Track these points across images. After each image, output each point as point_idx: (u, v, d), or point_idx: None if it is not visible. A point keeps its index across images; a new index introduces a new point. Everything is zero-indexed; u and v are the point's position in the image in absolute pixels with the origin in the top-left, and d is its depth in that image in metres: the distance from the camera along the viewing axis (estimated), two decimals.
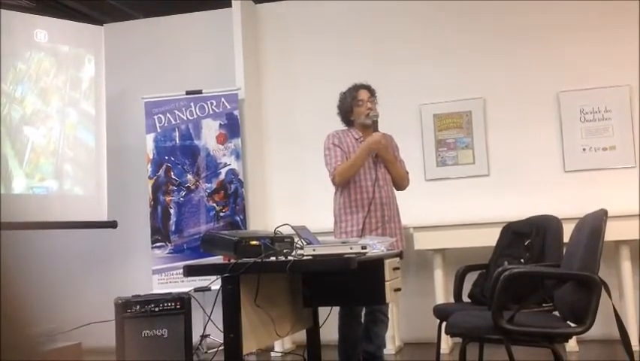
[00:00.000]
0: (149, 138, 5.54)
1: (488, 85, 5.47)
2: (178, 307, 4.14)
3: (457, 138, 5.51)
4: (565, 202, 4.98)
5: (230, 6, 5.77)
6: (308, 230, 3.35)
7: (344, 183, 3.78)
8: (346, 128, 3.94)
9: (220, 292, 2.68)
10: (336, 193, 3.90)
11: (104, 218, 5.44)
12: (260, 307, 2.77)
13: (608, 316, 2.78)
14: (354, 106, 3.86)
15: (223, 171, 5.50)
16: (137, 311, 4.07)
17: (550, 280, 2.88)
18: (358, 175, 3.76)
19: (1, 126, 4.99)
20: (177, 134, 5.55)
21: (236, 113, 5.54)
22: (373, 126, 3.78)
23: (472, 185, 5.42)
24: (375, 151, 3.74)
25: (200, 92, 5.56)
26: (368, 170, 3.77)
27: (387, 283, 2.95)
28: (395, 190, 3.93)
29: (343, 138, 3.86)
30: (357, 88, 3.91)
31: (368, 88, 3.92)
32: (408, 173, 3.98)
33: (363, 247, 2.70)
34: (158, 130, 5.54)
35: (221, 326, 2.64)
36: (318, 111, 5.64)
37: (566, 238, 3.09)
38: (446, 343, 4.79)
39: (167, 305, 4.12)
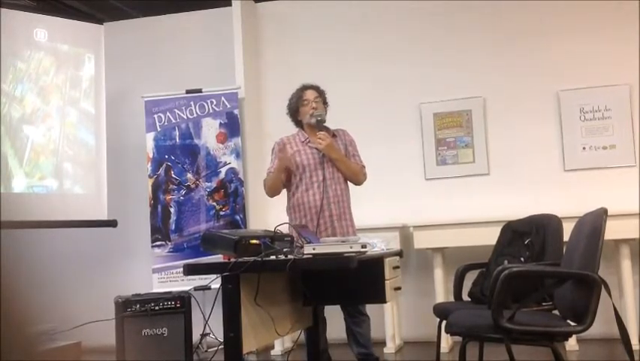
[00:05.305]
0: (149, 137, 5.54)
1: (488, 84, 5.46)
2: (178, 306, 4.14)
3: (457, 137, 5.51)
4: (565, 201, 4.97)
5: (231, 5, 5.76)
6: (308, 229, 3.36)
7: (274, 196, 3.87)
8: (296, 131, 3.94)
9: (220, 291, 2.68)
10: (287, 195, 3.88)
11: (104, 217, 5.44)
12: (260, 306, 2.77)
13: (608, 315, 2.78)
14: (300, 106, 3.87)
15: (223, 170, 5.50)
16: (137, 310, 4.07)
17: (550, 279, 2.88)
18: (305, 177, 3.74)
19: (1, 125, 4.99)
20: (177, 133, 5.55)
21: (236, 112, 5.54)
22: (317, 126, 3.77)
23: (472, 184, 5.42)
24: (284, 166, 3.73)
25: (200, 90, 5.56)
26: (314, 171, 3.75)
27: (387, 282, 2.95)
28: (349, 186, 3.88)
29: (289, 144, 3.86)
30: (303, 88, 3.92)
31: (316, 88, 3.92)
32: (364, 167, 3.92)
33: (363, 246, 2.70)
34: (158, 129, 5.54)
35: (221, 325, 2.64)
36: None
37: (566, 237, 3.09)
38: (446, 342, 4.79)
39: (167, 304, 4.12)
